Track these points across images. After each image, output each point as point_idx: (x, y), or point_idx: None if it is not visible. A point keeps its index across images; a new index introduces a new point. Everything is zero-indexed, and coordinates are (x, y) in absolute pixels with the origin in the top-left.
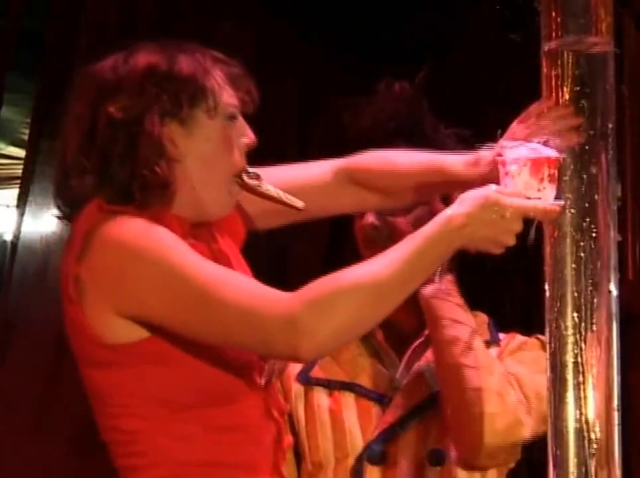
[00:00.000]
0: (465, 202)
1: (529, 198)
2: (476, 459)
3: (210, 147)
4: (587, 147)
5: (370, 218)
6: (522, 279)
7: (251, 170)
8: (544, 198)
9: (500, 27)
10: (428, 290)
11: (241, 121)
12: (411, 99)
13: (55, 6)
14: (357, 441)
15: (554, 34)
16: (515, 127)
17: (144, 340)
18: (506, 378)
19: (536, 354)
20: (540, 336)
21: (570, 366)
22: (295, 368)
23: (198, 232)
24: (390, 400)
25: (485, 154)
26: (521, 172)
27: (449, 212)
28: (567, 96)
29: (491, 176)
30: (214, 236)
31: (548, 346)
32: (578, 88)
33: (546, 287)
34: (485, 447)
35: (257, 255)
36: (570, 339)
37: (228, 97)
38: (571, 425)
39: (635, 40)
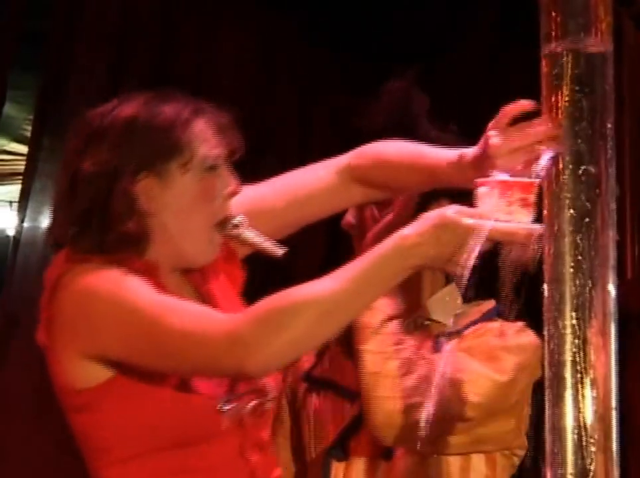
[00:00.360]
0: (422, 221)
1: (497, 220)
2: (380, 439)
3: (186, 199)
4: (586, 147)
5: (349, 216)
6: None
7: (237, 219)
8: (514, 221)
9: (500, 28)
10: None
11: (224, 170)
12: (407, 98)
13: (56, 5)
14: (329, 438)
15: (553, 34)
16: (513, 142)
17: (109, 380)
18: (410, 363)
19: (481, 342)
20: (510, 323)
21: (568, 365)
22: (303, 369)
23: (189, 275)
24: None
25: (468, 152)
26: (491, 194)
27: (405, 231)
28: (566, 96)
29: (473, 176)
30: (206, 277)
31: (546, 345)
32: (577, 88)
33: (545, 286)
34: (379, 428)
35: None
36: (569, 338)
37: (208, 148)
38: (569, 424)
39: (634, 40)
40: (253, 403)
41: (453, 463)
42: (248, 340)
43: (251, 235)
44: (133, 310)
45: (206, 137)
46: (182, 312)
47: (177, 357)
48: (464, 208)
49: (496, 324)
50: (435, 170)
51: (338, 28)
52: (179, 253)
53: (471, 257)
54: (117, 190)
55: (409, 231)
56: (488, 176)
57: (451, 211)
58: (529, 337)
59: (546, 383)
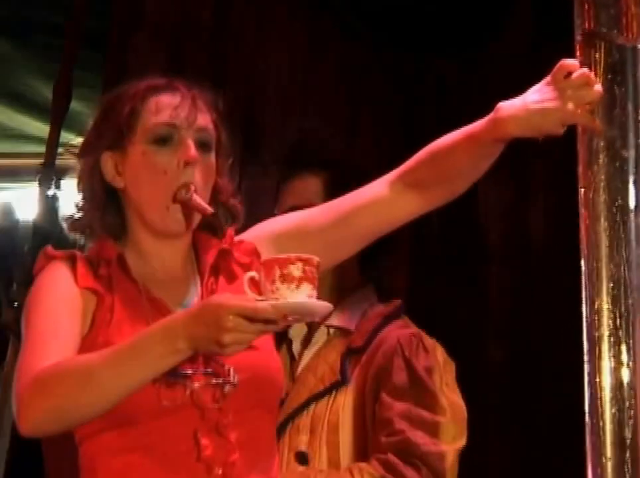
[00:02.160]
0: (196, 305)
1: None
2: None
3: (139, 171)
4: (619, 132)
5: None
6: None
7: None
8: (282, 298)
9: (539, 18)
10: None
11: (178, 140)
12: None
13: (116, 6)
14: None
15: (586, 25)
16: (542, 87)
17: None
18: None
19: (406, 376)
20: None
21: (606, 339)
22: None
23: (203, 264)
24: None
25: (502, 104)
26: (260, 277)
27: (176, 314)
28: (599, 84)
29: (511, 127)
30: (218, 273)
31: (584, 320)
32: (610, 76)
33: (582, 263)
34: None
35: None
36: (605, 313)
37: (157, 122)
38: (607, 396)
39: None
40: (200, 383)
41: None
42: (21, 403)
43: (199, 201)
44: (29, 325)
45: (158, 112)
46: (31, 349)
47: None
48: (232, 296)
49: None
50: (478, 135)
51: (382, 22)
52: (148, 222)
53: (245, 339)
54: (93, 171)
55: (179, 313)
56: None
57: (221, 296)
58: None
59: (585, 357)
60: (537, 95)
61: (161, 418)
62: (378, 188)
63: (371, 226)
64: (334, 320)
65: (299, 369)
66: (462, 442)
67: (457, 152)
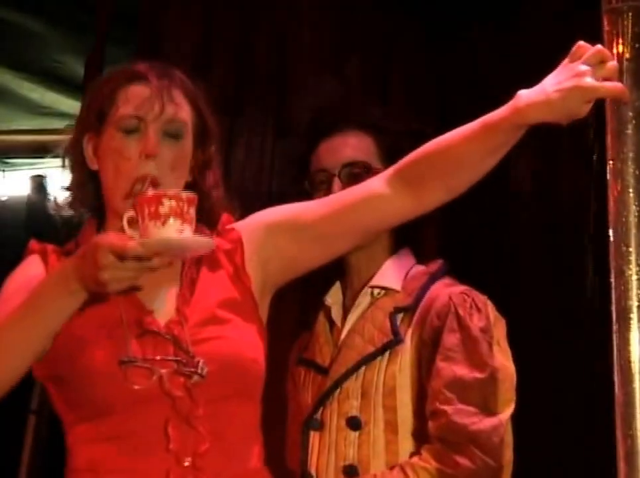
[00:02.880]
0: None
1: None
2: None
3: (106, 156)
4: None
5: None
6: None
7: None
8: (151, 235)
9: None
10: None
11: (145, 134)
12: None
13: None
14: (309, 409)
15: None
16: (559, 70)
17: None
18: None
19: (459, 338)
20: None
21: (635, 309)
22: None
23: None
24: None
25: (522, 92)
26: (135, 217)
27: (70, 257)
28: (627, 53)
29: (532, 114)
30: (199, 264)
31: (613, 291)
32: (638, 45)
33: (610, 233)
34: None
35: None
36: (634, 284)
37: (127, 111)
38: (636, 367)
39: None
40: (168, 370)
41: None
42: None
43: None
44: None
45: (127, 102)
46: None
47: None
48: (114, 233)
49: None
50: (498, 123)
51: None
52: (114, 208)
53: (123, 276)
54: (76, 151)
55: (67, 259)
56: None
57: (100, 237)
58: None
59: (614, 327)
60: (555, 79)
61: (134, 407)
62: (375, 184)
63: (366, 222)
64: (378, 281)
65: (344, 333)
66: (510, 409)
67: (471, 142)
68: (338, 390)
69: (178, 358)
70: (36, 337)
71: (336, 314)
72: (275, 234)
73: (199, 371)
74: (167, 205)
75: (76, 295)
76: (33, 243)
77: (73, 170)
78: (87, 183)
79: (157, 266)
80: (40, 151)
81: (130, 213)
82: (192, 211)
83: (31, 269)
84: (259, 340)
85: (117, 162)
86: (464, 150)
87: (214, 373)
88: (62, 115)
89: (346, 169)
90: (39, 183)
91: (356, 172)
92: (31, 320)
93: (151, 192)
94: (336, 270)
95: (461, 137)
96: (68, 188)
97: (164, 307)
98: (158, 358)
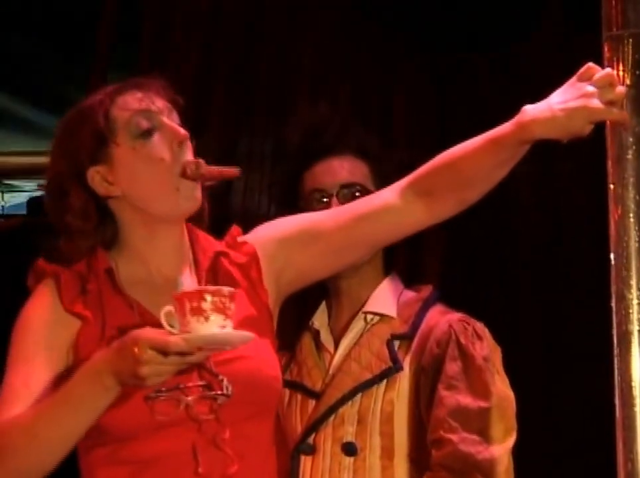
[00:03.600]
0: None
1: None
2: None
3: (133, 170)
4: None
5: None
6: None
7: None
8: (193, 331)
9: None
10: None
11: (164, 125)
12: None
13: (148, 7)
14: (297, 434)
15: (614, 19)
16: (566, 89)
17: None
18: None
19: (461, 366)
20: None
21: (636, 334)
22: None
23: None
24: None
25: (527, 107)
26: (174, 311)
27: (101, 351)
28: (628, 80)
29: (537, 130)
30: (216, 279)
31: (614, 316)
32: (639, 71)
33: (611, 257)
34: None
35: None
36: (635, 308)
37: (132, 118)
38: (637, 390)
39: None
40: (194, 396)
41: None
42: None
43: (211, 168)
44: (8, 362)
45: (129, 109)
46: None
47: None
48: (151, 328)
49: None
50: (503, 138)
51: (413, 19)
52: (153, 216)
53: (163, 371)
54: (79, 193)
55: (104, 350)
56: None
57: (142, 330)
58: None
59: (614, 352)
60: (561, 97)
61: (158, 433)
62: (387, 195)
63: (378, 234)
64: (373, 307)
65: (337, 358)
66: (513, 437)
67: (478, 156)
68: (333, 416)
69: (203, 383)
70: (71, 435)
71: (325, 337)
72: (287, 246)
73: (225, 391)
74: (209, 301)
75: (110, 390)
76: (42, 264)
77: (86, 213)
78: (97, 218)
79: (196, 361)
80: (39, 172)
81: (168, 308)
82: (233, 306)
83: (45, 307)
84: (275, 354)
85: (152, 167)
86: (473, 163)
87: (237, 394)
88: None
89: (344, 190)
90: (37, 205)
91: (353, 194)
92: (65, 418)
93: (192, 288)
94: (317, 291)
95: (469, 151)
96: (75, 232)
97: None
98: (182, 385)
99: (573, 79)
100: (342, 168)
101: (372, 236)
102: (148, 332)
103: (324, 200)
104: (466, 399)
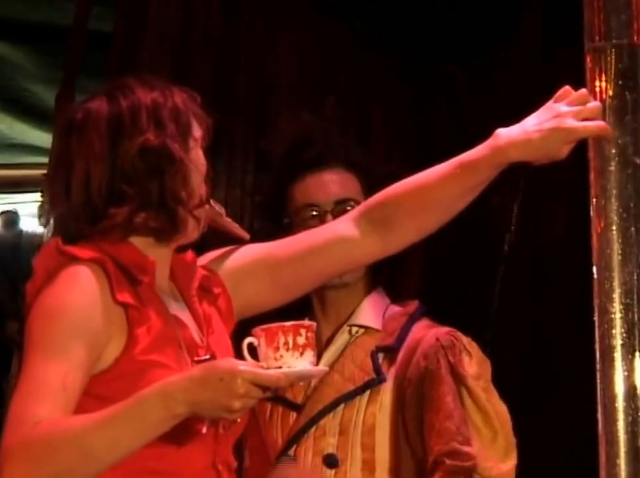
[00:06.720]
0: (195, 369)
1: (269, 368)
2: None
3: (195, 171)
4: (631, 139)
5: None
6: None
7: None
8: (285, 366)
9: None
10: None
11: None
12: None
13: (120, 12)
14: (278, 446)
15: (597, 30)
16: (541, 111)
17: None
18: None
19: (437, 393)
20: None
21: (618, 348)
22: None
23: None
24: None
25: (501, 130)
26: (260, 344)
27: (172, 377)
28: (610, 90)
29: (513, 153)
30: (200, 299)
31: (597, 329)
32: (621, 82)
33: (594, 270)
34: None
35: None
36: (618, 323)
37: (197, 129)
38: (620, 405)
39: None
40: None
41: None
42: (10, 462)
43: (225, 217)
44: (37, 348)
45: (198, 119)
46: (25, 397)
47: None
48: (239, 362)
49: None
50: (475, 162)
51: (391, 31)
52: (179, 224)
53: (251, 404)
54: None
55: (177, 376)
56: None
57: (228, 360)
58: None
59: (597, 366)
60: (536, 119)
61: (187, 446)
62: (340, 226)
63: (328, 266)
64: (358, 320)
65: None
66: (514, 455)
67: (445, 182)
68: (314, 427)
69: None
70: (123, 454)
71: None
72: (239, 279)
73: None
74: (304, 335)
75: (178, 418)
76: (68, 248)
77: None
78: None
79: (279, 394)
80: (11, 186)
81: (250, 340)
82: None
83: (89, 290)
84: None
85: (200, 178)
86: (439, 190)
87: None
88: (30, 147)
89: (338, 206)
90: (10, 219)
91: (348, 210)
92: (123, 436)
93: (287, 323)
94: (301, 304)
95: (435, 177)
96: (133, 210)
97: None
98: None
99: (550, 101)
100: (334, 183)
101: (321, 269)
102: (244, 365)
103: (315, 214)
104: (460, 428)
